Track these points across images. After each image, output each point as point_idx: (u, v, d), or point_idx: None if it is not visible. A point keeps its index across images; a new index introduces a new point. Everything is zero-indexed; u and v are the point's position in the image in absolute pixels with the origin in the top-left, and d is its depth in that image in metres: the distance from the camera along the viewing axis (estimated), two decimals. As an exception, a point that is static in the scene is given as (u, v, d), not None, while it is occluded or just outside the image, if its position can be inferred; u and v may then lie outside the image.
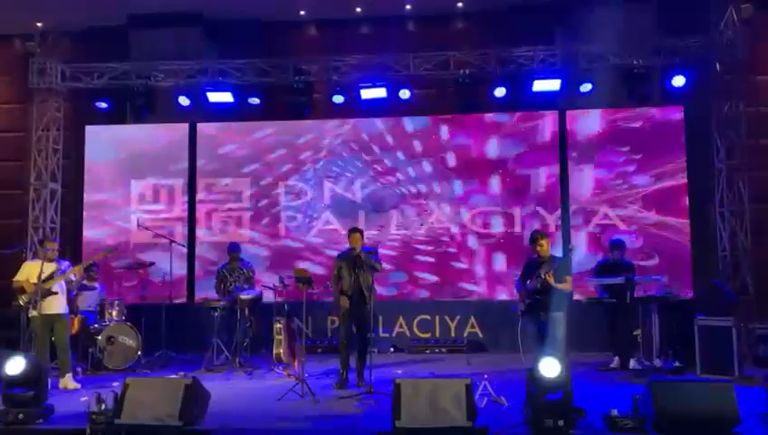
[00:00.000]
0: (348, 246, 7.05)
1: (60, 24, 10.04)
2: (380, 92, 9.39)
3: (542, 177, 9.82)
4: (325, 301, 9.23)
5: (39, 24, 10.11)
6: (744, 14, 8.79)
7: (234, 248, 8.59)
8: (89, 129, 10.45)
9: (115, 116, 9.97)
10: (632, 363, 7.53)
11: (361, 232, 7.05)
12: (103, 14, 9.64)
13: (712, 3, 8.92)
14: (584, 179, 9.77)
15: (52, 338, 6.96)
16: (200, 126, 10.40)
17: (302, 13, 10.11)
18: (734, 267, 8.73)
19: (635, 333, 7.73)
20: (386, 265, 8.44)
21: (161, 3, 9.30)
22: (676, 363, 7.32)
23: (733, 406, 4.81)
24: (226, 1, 9.41)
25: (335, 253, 7.96)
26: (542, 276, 6.15)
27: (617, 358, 7.73)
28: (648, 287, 7.78)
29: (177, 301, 9.33)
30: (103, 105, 9.77)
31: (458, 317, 9.70)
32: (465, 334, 9.65)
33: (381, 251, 8.68)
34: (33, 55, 9.86)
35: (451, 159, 10.00)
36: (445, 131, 10.05)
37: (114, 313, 8.27)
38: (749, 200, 8.80)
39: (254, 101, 9.73)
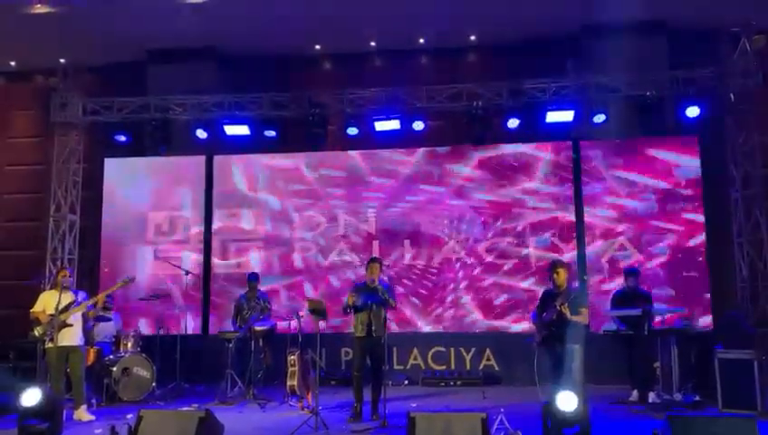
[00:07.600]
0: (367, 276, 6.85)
1: (81, 59, 10.30)
2: (394, 124, 9.47)
3: (557, 207, 9.81)
4: (339, 332, 9.25)
5: (61, 60, 10.38)
6: (757, 45, 8.83)
7: (252, 278, 8.63)
8: (108, 161, 10.63)
9: (133, 149, 10.12)
10: (651, 397, 7.40)
11: (381, 262, 7.02)
12: (122, 50, 9.95)
13: (724, 34, 8.96)
14: (600, 209, 9.74)
15: (68, 369, 6.99)
16: (217, 158, 10.55)
17: (317, 47, 10.28)
18: (753, 298, 8.60)
19: (654, 365, 7.61)
20: (400, 289, 8.40)
21: (178, 39, 9.55)
22: (697, 397, 7.18)
23: (755, 442, 4.70)
24: (241, 36, 9.62)
25: (349, 283, 7.94)
26: (558, 308, 6.10)
27: (635, 391, 7.61)
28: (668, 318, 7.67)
29: (191, 332, 9.34)
30: (122, 138, 9.93)
31: (473, 349, 9.62)
32: (481, 367, 9.55)
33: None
34: (55, 90, 10.05)
35: (465, 190, 10.03)
36: (458, 162, 10.10)
37: (129, 344, 8.30)
38: (767, 230, 8.71)
39: (270, 133, 9.83)
